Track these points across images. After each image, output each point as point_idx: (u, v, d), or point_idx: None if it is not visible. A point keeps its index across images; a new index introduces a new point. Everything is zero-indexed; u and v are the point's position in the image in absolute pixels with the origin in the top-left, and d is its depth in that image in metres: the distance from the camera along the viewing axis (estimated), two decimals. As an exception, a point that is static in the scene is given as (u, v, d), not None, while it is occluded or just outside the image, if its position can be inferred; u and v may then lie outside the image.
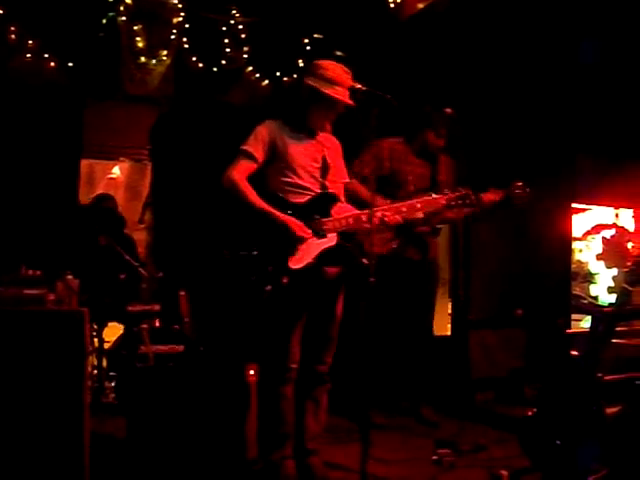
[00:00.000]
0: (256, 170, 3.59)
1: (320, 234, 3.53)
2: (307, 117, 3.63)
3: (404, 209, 3.64)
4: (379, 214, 3.50)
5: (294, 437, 3.66)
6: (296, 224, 3.48)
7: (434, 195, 3.69)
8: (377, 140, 4.66)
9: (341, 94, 3.52)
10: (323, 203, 3.60)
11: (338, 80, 3.53)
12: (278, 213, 3.49)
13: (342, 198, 3.71)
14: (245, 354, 3.98)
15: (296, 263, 3.48)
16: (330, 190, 3.64)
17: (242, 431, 3.72)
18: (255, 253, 3.49)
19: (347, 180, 3.81)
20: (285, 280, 3.45)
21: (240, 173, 3.55)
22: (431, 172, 4.86)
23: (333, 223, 3.55)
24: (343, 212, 3.61)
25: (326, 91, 3.52)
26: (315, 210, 3.57)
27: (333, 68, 3.58)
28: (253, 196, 3.52)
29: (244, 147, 3.60)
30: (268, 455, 3.64)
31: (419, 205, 3.67)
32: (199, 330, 5.06)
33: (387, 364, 4.68)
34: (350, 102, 3.52)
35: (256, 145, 3.59)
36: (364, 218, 3.49)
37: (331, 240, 3.55)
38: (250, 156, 3.58)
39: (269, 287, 3.44)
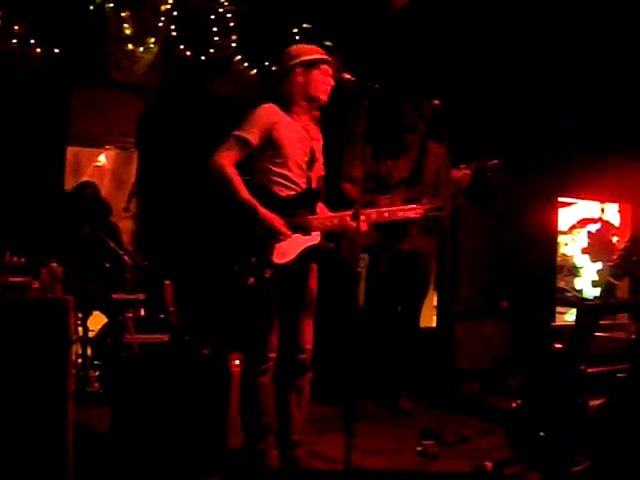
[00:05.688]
0: (247, 155, 3.51)
1: (305, 231, 3.51)
2: (293, 110, 3.57)
3: (386, 214, 3.79)
4: (363, 218, 3.49)
5: (279, 429, 3.63)
6: (279, 223, 3.44)
7: (413, 205, 3.93)
8: (355, 139, 4.74)
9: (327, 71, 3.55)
10: (309, 199, 3.58)
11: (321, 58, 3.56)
12: (262, 210, 3.42)
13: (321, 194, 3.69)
14: (229, 344, 3.97)
15: (280, 258, 3.45)
16: (315, 186, 3.61)
17: (225, 421, 3.72)
18: (239, 243, 3.46)
19: (323, 174, 3.75)
20: (268, 274, 3.43)
21: (229, 159, 3.46)
22: (413, 163, 4.86)
23: (319, 222, 3.55)
24: (322, 210, 3.63)
25: (314, 69, 3.51)
26: (301, 205, 3.53)
27: (312, 49, 3.59)
28: (239, 185, 3.44)
29: (238, 132, 3.48)
30: (253, 445, 3.63)
31: (401, 213, 3.85)
32: (184, 319, 5.04)
33: (372, 353, 4.70)
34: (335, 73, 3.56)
35: (251, 129, 3.48)
36: (348, 218, 3.51)
37: (314, 239, 3.54)
38: (243, 141, 3.47)
39: (252, 279, 3.42)
